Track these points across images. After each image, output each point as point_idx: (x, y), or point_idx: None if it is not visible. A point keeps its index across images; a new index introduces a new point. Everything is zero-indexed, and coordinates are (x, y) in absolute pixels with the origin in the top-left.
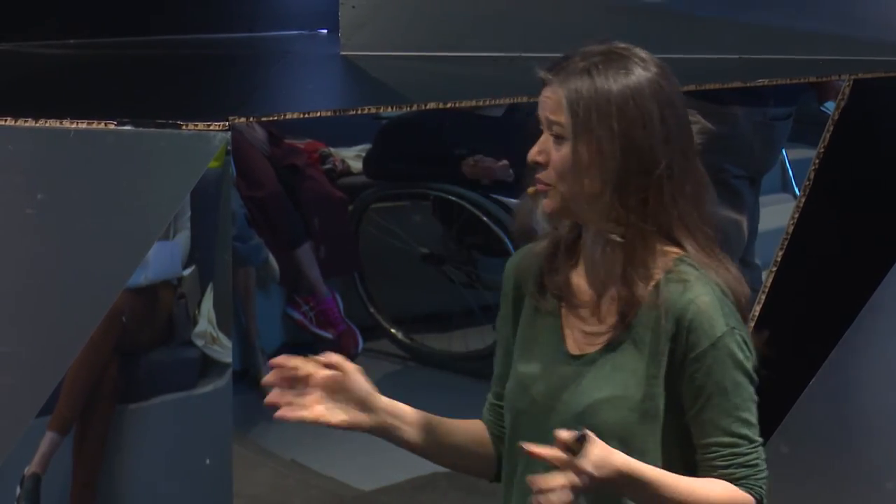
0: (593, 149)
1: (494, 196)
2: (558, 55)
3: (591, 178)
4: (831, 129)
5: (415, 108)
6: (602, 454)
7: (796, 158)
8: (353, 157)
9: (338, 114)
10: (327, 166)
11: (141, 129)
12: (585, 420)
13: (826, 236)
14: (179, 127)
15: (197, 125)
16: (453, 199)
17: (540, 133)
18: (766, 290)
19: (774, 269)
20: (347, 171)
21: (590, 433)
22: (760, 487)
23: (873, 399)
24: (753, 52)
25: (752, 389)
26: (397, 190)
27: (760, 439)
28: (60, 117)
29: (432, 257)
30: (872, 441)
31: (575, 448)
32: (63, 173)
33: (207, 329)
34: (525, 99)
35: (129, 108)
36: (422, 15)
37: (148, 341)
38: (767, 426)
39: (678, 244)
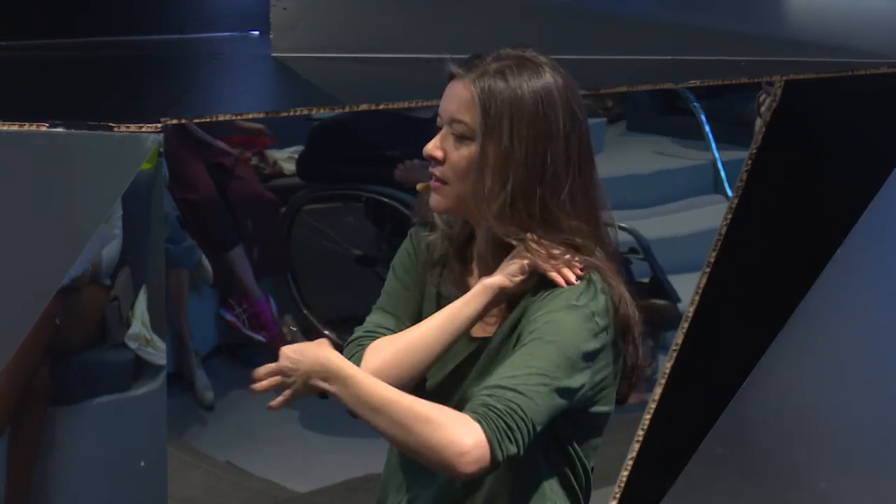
0: (500, 152)
1: None
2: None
3: (493, 180)
4: (763, 130)
5: (347, 109)
6: (302, 347)
7: (728, 160)
8: (285, 158)
9: (269, 115)
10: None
11: (72, 130)
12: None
13: (759, 237)
14: (111, 129)
15: (129, 127)
16: (386, 200)
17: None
18: (700, 291)
19: (707, 270)
20: (280, 173)
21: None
22: (489, 421)
23: (806, 400)
24: (685, 54)
25: (559, 367)
26: (330, 191)
27: (521, 396)
28: None
29: (365, 259)
30: (806, 442)
31: None
32: None
33: (141, 331)
34: None
35: (60, 109)
36: (353, 17)
37: (81, 343)
38: (702, 428)
39: (573, 250)
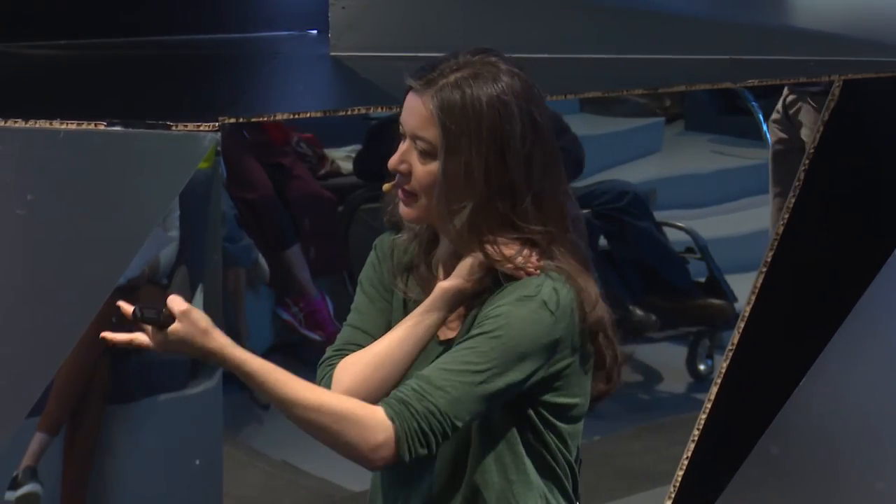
0: (461, 169)
1: None
2: (522, 57)
3: (455, 197)
4: (821, 129)
5: None
6: (185, 335)
7: None
8: (343, 157)
9: (327, 114)
10: (305, 154)
11: (131, 129)
12: None
13: (815, 237)
14: (169, 128)
15: (187, 126)
16: None
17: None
18: (756, 291)
19: (764, 269)
20: (337, 172)
21: (183, 311)
22: (403, 421)
23: (862, 400)
24: (743, 53)
25: (499, 362)
26: None
27: (446, 395)
28: (50, 118)
29: None
30: (862, 442)
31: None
32: (53, 174)
33: None
34: None
35: (118, 108)
36: (411, 16)
37: None
38: (758, 428)
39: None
